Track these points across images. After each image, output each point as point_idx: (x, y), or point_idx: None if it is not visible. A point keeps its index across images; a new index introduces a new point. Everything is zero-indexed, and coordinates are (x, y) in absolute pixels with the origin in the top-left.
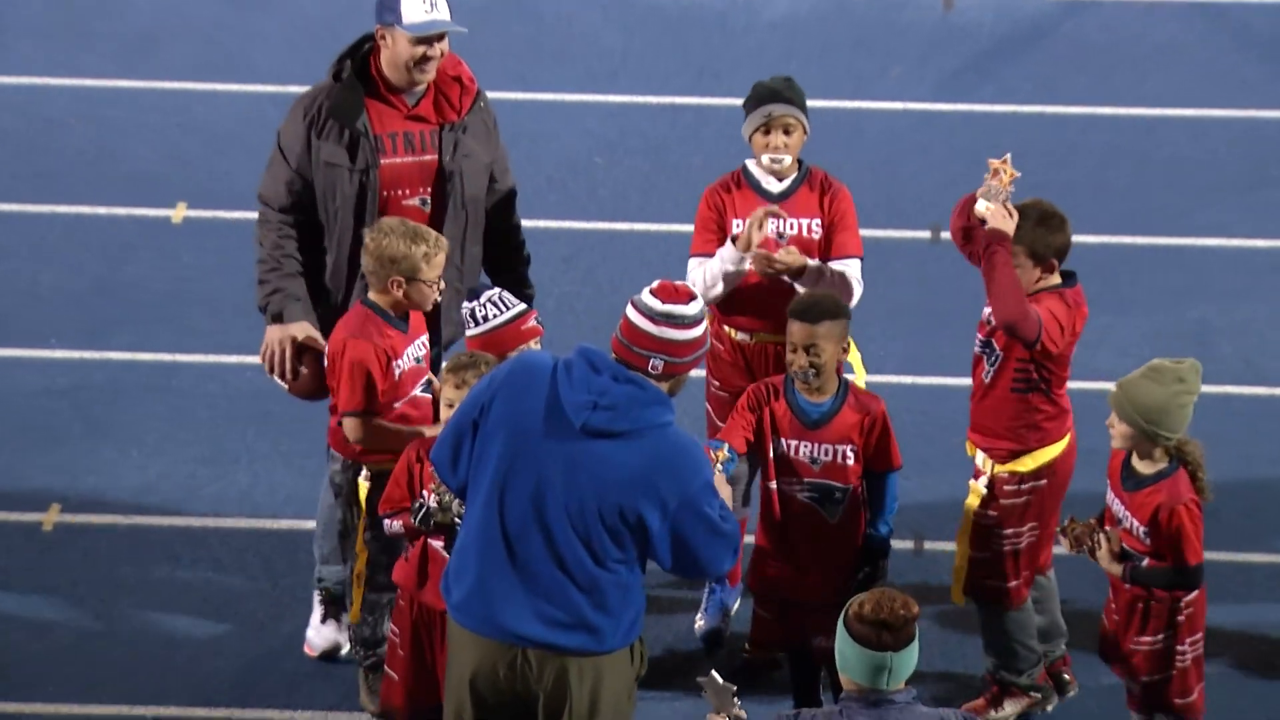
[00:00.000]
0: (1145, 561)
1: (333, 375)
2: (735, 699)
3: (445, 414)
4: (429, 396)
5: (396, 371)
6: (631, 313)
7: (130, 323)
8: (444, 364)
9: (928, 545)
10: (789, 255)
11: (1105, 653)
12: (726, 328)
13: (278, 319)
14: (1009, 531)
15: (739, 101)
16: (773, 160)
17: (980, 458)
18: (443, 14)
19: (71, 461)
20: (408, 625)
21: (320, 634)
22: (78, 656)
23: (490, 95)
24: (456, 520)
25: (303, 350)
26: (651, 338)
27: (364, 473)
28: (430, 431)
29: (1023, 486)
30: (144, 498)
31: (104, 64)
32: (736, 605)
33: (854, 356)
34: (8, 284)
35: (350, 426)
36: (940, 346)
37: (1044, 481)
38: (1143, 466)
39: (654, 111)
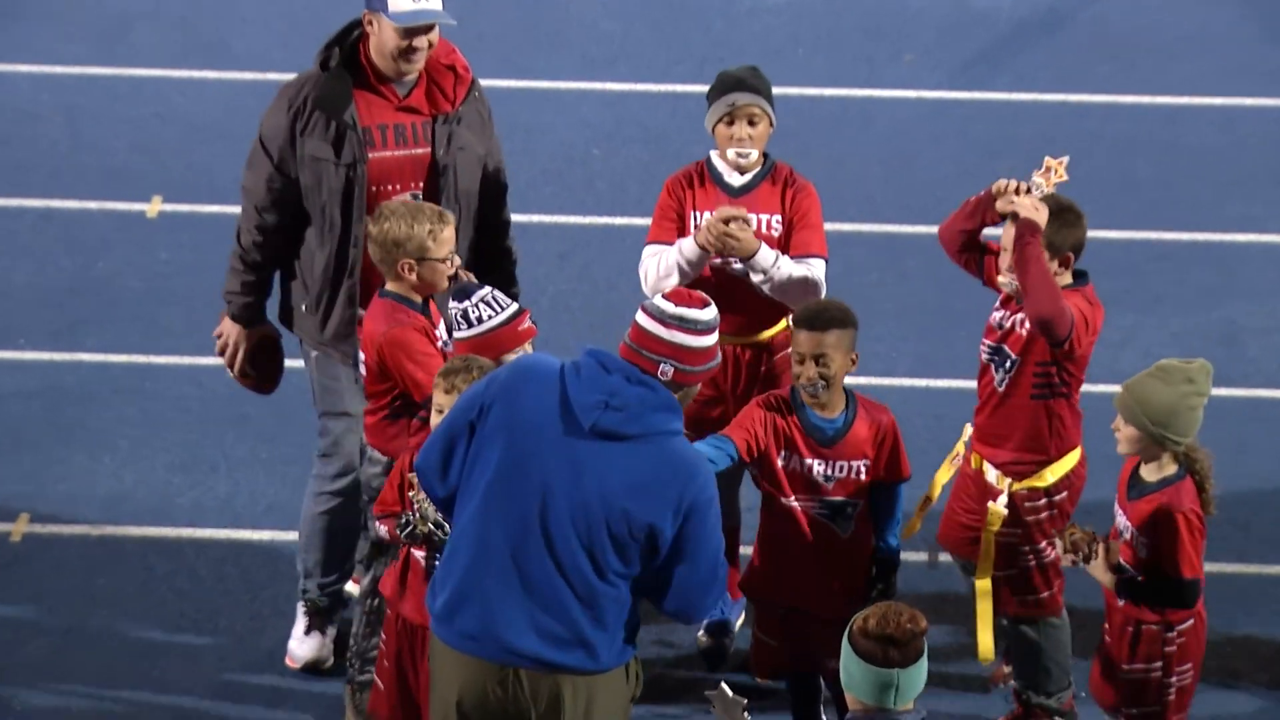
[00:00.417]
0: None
1: (381, 377)
2: (745, 713)
3: (435, 420)
4: None
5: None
6: (642, 317)
7: (103, 322)
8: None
9: (943, 556)
10: (743, 231)
11: (1094, 684)
12: None
13: (236, 319)
14: (1035, 547)
15: None
16: (738, 154)
17: (994, 475)
18: (432, 3)
19: (41, 468)
20: (393, 635)
21: (303, 645)
22: (47, 673)
23: (482, 83)
24: (435, 531)
25: (257, 350)
26: (662, 341)
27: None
28: None
29: (1044, 501)
30: (117, 507)
31: (76, 50)
32: (740, 620)
33: None
34: None
35: None
36: (954, 347)
37: (1065, 494)
38: (1148, 473)
39: (654, 100)
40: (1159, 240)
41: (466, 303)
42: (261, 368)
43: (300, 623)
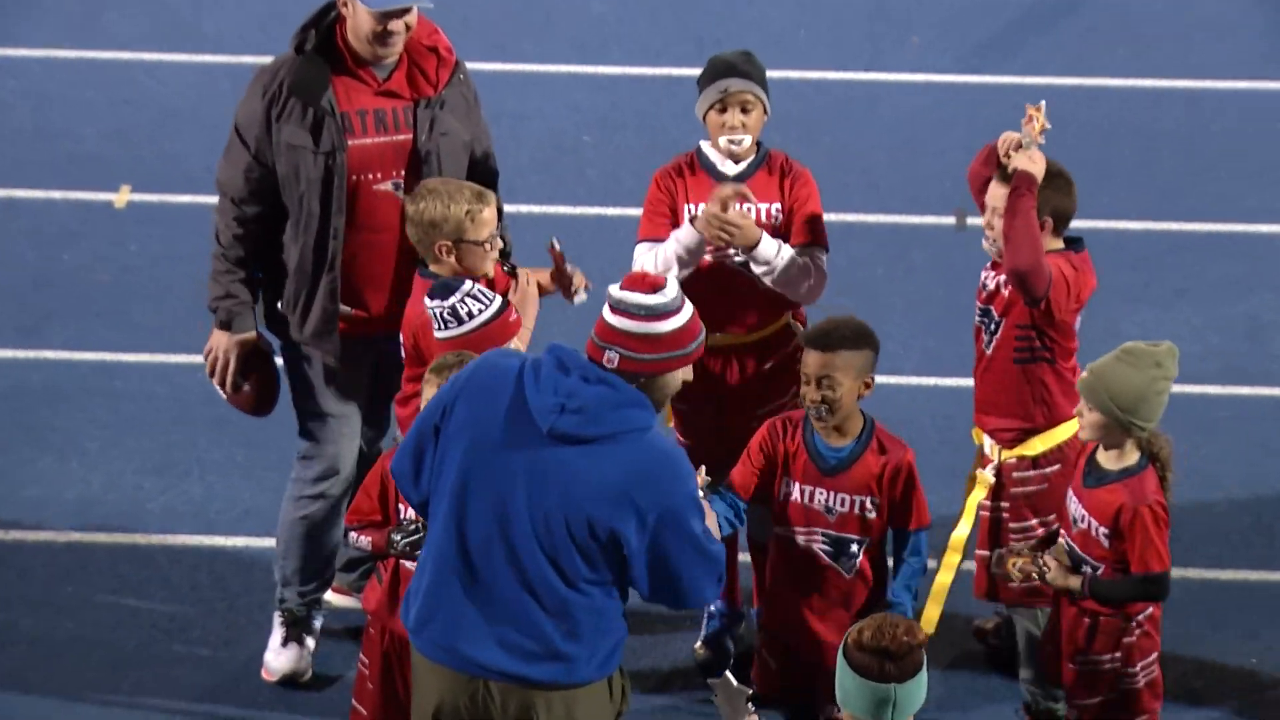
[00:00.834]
0: (1101, 570)
1: (417, 361)
2: (749, 704)
3: None
4: None
5: None
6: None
7: (70, 318)
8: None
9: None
10: (744, 219)
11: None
12: None
13: (225, 327)
14: (1023, 525)
15: None
16: (730, 142)
17: (987, 444)
18: None
19: (5, 472)
20: (378, 656)
21: (280, 657)
22: (12, 687)
23: (468, 67)
24: (413, 541)
25: (249, 362)
26: (609, 328)
27: None
28: None
29: (1032, 473)
30: (86, 512)
31: (41, 33)
32: (740, 630)
33: None
34: None
35: None
36: (964, 344)
37: (1056, 467)
38: (1108, 460)
39: (648, 84)
40: (1179, 231)
41: (453, 299)
42: (255, 383)
43: (277, 634)
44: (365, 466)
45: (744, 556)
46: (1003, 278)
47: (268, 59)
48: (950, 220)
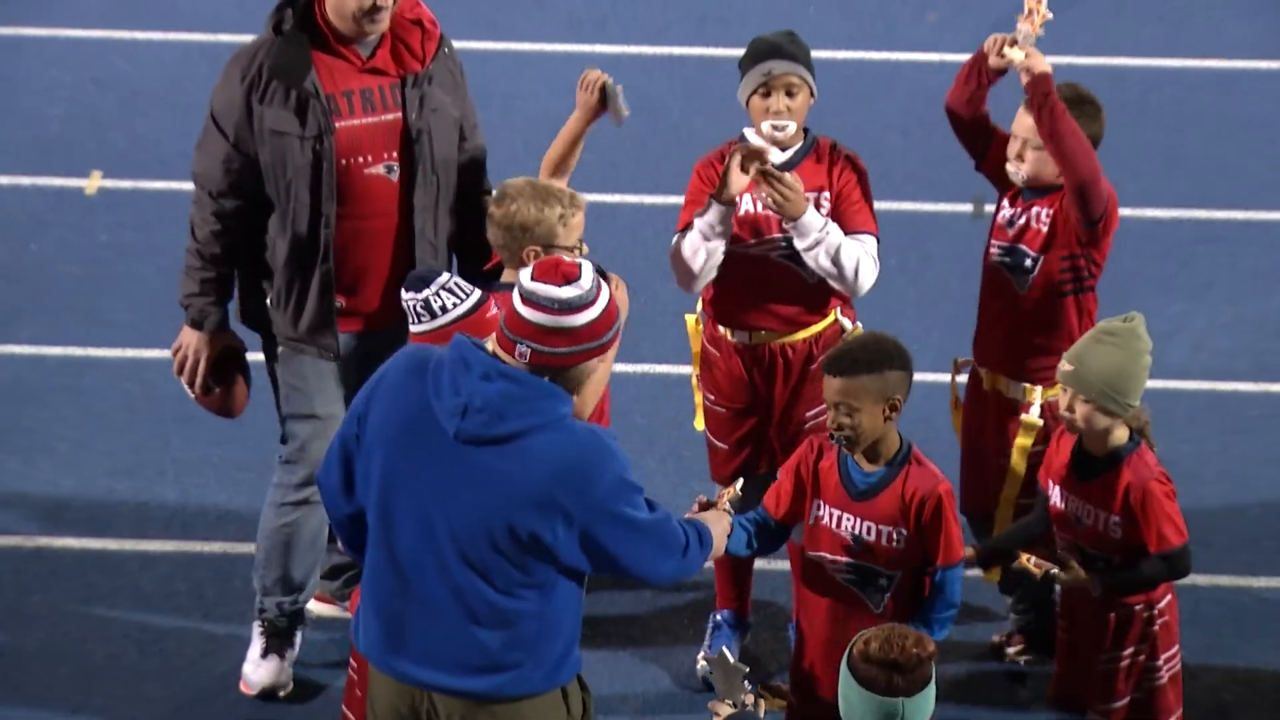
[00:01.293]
0: (1116, 561)
1: None
2: (746, 682)
3: None
4: None
5: None
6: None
7: (37, 312)
8: None
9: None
10: (797, 182)
11: (1062, 692)
12: (721, 329)
13: (197, 325)
14: None
15: None
16: (774, 127)
17: (1019, 390)
18: None
19: None
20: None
21: (260, 670)
22: None
23: (455, 45)
24: None
25: (221, 362)
26: (519, 319)
27: None
28: None
29: None
30: (54, 516)
31: (4, 9)
32: (747, 638)
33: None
34: None
35: None
36: None
37: None
38: (1096, 447)
39: (648, 64)
40: (1210, 220)
41: (426, 291)
42: (226, 384)
43: (256, 645)
44: None
45: (759, 564)
46: (1036, 210)
47: (246, 38)
48: (968, 208)
